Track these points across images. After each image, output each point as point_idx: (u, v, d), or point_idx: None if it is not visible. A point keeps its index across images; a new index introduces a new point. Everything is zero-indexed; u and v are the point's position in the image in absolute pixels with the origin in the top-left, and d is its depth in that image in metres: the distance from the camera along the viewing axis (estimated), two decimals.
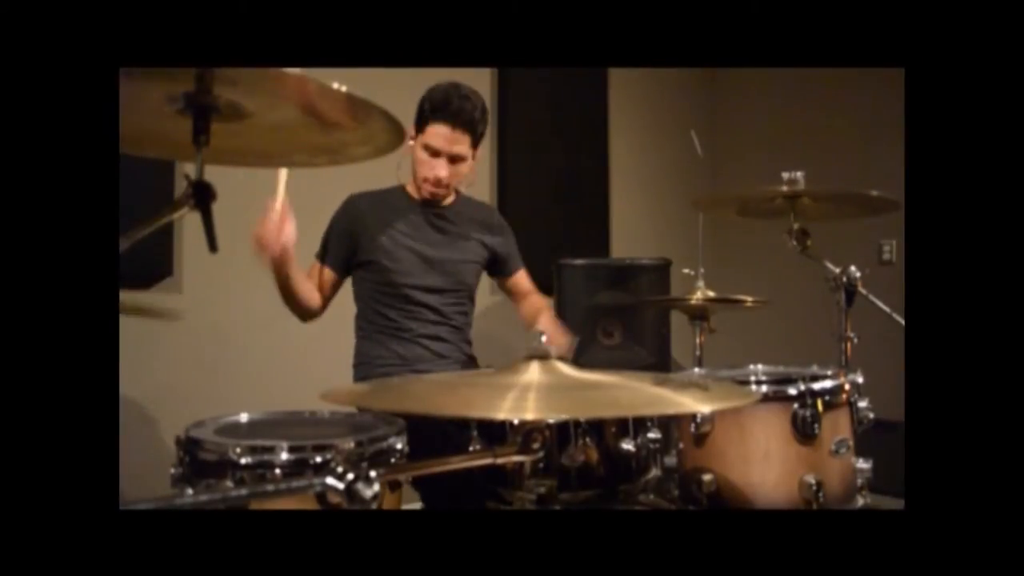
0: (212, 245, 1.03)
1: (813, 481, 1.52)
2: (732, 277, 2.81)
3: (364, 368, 2.10)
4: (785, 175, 1.80)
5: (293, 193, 2.28)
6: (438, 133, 1.97)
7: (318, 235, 2.14)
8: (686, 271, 2.22)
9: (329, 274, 2.07)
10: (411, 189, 2.12)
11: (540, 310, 2.16)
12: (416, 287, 2.06)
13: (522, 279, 2.30)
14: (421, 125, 2.00)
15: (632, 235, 3.85)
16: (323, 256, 2.09)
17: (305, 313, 2.00)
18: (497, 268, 2.26)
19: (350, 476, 0.88)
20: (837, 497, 1.57)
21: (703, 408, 1.44)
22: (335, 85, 0.92)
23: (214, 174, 1.05)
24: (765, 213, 1.99)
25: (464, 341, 2.18)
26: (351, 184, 2.15)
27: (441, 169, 2.00)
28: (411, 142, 2.04)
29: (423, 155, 2.01)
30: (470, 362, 2.18)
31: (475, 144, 2.03)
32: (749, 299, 2.18)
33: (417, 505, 1.81)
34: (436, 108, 1.97)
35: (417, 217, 2.10)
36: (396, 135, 1.04)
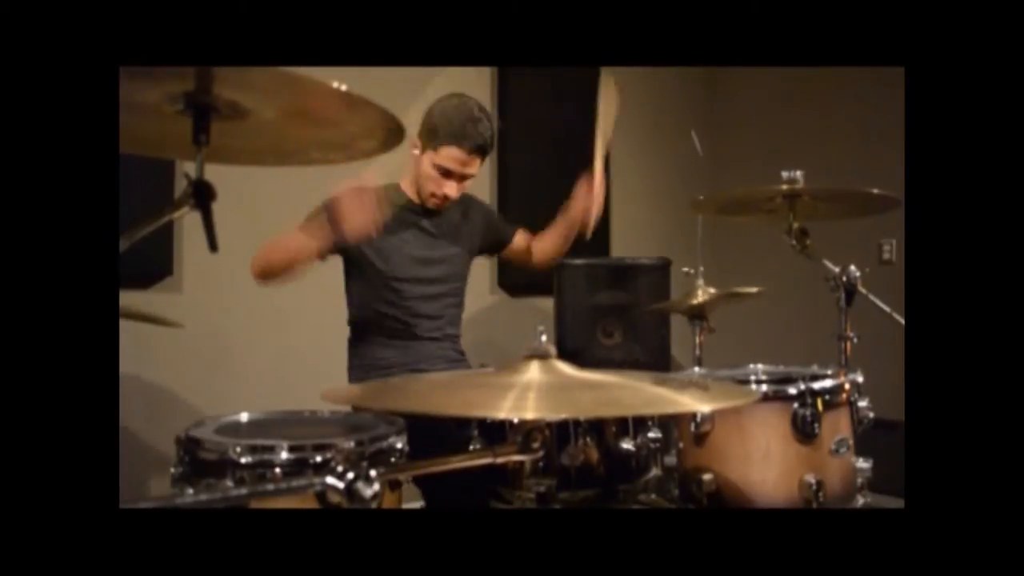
0: (212, 245, 1.03)
1: (813, 481, 1.52)
2: (732, 277, 2.81)
3: (361, 370, 2.10)
4: (784, 174, 1.80)
5: (296, 190, 2.28)
6: (452, 157, 1.96)
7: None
8: (686, 271, 2.23)
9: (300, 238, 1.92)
10: (408, 189, 2.11)
11: (549, 232, 2.19)
12: (407, 281, 2.06)
13: (521, 236, 2.30)
14: (433, 143, 1.98)
15: (632, 235, 3.85)
16: (306, 228, 1.92)
17: (287, 275, 1.91)
18: (497, 245, 2.27)
19: (350, 475, 0.88)
20: (837, 497, 1.57)
21: (703, 408, 1.44)
22: (334, 84, 0.92)
23: (214, 173, 1.05)
24: (765, 213, 1.99)
25: (456, 337, 2.19)
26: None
27: (451, 189, 2.01)
28: (415, 151, 2.03)
29: (432, 172, 1.99)
30: (461, 359, 2.18)
31: (483, 161, 2.04)
32: (742, 289, 2.18)
33: (417, 504, 1.81)
34: (453, 134, 1.95)
35: (411, 216, 2.09)
36: (396, 131, 1.04)
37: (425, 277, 2.08)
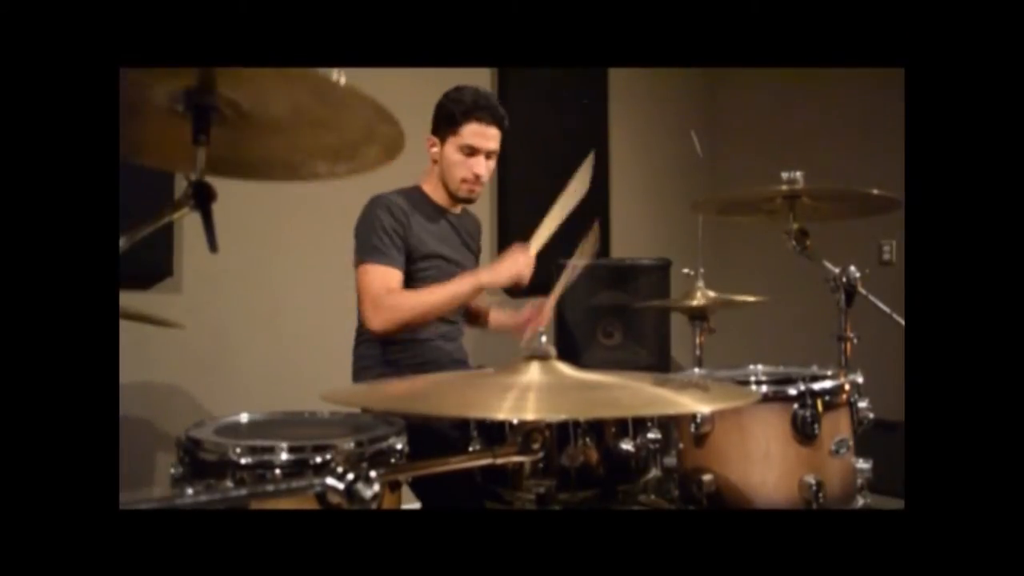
0: (212, 245, 1.03)
1: (813, 481, 1.52)
2: (732, 277, 2.81)
3: (373, 371, 2.08)
4: (784, 175, 1.80)
5: (296, 190, 2.28)
6: (476, 132, 2.01)
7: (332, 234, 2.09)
8: (686, 271, 2.23)
9: (399, 276, 1.97)
10: (432, 192, 2.11)
11: (501, 316, 2.27)
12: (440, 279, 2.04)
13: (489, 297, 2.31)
14: (453, 127, 2.02)
15: (632, 235, 3.85)
16: (388, 260, 1.96)
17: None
18: None
19: (350, 476, 0.88)
20: (837, 497, 1.57)
21: (703, 408, 1.44)
22: (334, 76, 0.92)
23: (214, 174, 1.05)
24: (765, 213, 1.99)
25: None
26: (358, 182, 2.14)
27: (481, 166, 2.04)
28: (434, 149, 2.07)
29: (458, 156, 2.03)
30: (465, 361, 2.19)
31: (502, 135, 2.07)
32: (740, 297, 2.18)
33: (417, 505, 1.81)
34: (471, 108, 2.01)
35: (441, 221, 2.12)
36: (397, 133, 1.04)
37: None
